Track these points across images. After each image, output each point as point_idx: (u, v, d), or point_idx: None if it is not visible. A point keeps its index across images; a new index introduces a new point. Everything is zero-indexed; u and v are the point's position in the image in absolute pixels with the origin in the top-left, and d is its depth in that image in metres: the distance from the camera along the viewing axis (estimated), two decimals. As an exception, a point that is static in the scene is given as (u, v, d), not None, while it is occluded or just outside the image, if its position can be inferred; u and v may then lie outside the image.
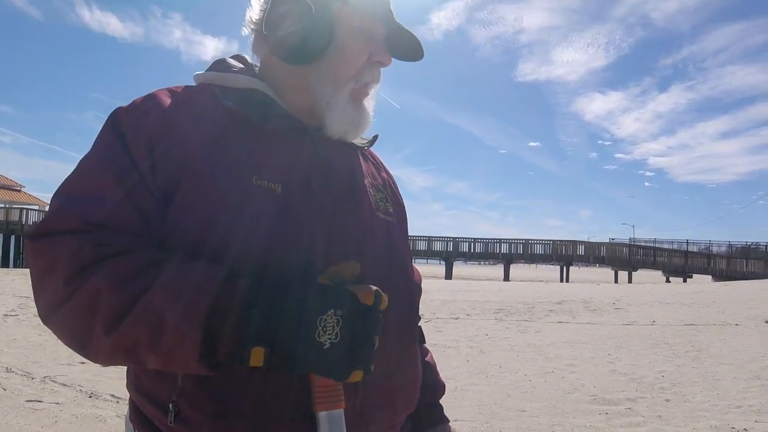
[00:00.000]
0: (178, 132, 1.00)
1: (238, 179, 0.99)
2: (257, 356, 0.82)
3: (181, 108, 1.05)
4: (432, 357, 1.40)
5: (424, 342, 1.37)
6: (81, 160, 1.01)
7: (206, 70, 1.16)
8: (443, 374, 1.40)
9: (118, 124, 1.02)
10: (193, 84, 1.15)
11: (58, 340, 0.92)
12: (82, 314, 0.85)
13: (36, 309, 0.92)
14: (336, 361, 0.84)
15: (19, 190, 47.25)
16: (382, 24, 1.14)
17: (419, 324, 1.32)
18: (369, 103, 1.18)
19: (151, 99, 1.06)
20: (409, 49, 1.20)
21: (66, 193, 0.96)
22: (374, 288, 0.90)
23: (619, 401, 5.43)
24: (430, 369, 1.36)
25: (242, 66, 1.18)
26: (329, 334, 0.83)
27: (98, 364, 0.92)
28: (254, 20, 1.15)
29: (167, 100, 1.05)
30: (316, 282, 0.89)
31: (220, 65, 1.17)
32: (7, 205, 41.06)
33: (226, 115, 1.05)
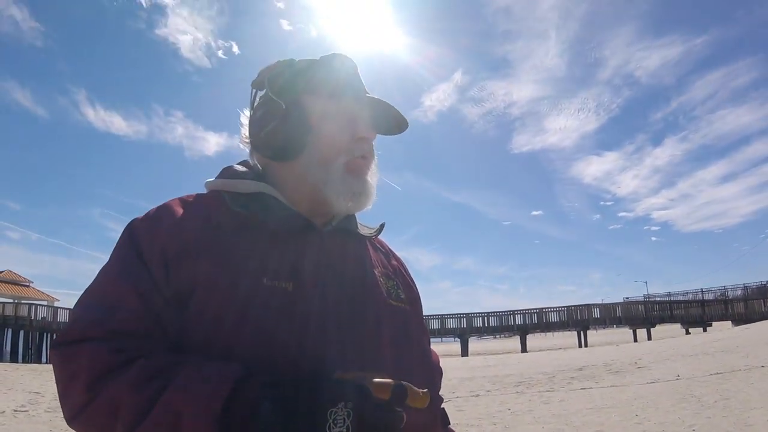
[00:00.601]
0: (189, 240, 1.05)
1: (249, 281, 1.02)
2: None
3: (192, 217, 1.11)
4: None
5: (449, 423, 1.36)
6: (100, 271, 1.08)
7: (216, 177, 1.22)
8: None
9: (133, 235, 1.08)
10: (204, 191, 1.22)
11: None
12: (104, 418, 0.90)
13: (53, 407, 1.01)
14: None
15: (27, 286, 47.50)
16: (356, 102, 1.20)
17: (441, 406, 1.32)
18: (372, 177, 1.21)
19: (164, 210, 1.12)
20: (392, 120, 1.26)
21: (86, 302, 1.02)
22: (392, 382, 0.89)
23: (652, 462, 5.22)
24: None
25: (250, 171, 1.24)
26: (340, 427, 0.84)
27: None
28: (245, 131, 1.26)
29: (179, 210, 1.12)
30: (332, 377, 0.91)
31: (228, 172, 1.23)
32: (16, 301, 41.38)
33: (236, 221, 1.10)
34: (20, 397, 11.69)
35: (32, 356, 34.65)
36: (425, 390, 0.92)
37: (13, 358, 33.74)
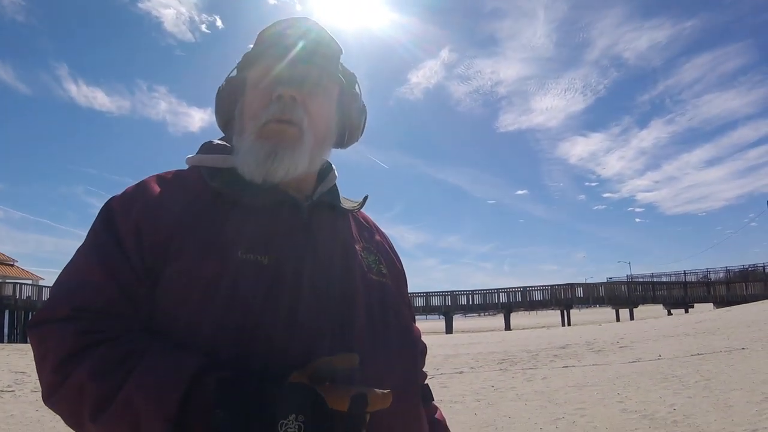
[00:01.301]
0: (164, 216, 1.04)
1: (224, 254, 1.01)
2: None
3: (169, 193, 1.10)
4: (441, 414, 1.36)
5: (432, 400, 1.34)
6: (76, 251, 1.07)
7: (196, 153, 1.21)
8: (452, 430, 1.38)
9: (109, 213, 1.08)
10: (185, 167, 1.21)
11: (56, 416, 0.98)
12: (71, 403, 0.90)
13: (39, 387, 0.97)
14: None
15: (12, 265, 47.19)
16: (276, 60, 1.15)
17: (425, 382, 1.32)
18: (303, 142, 1.12)
19: (141, 187, 1.12)
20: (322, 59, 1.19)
21: (58, 281, 1.02)
22: (352, 392, 0.84)
23: (633, 440, 5.29)
24: (440, 427, 1.33)
25: (228, 146, 1.21)
26: None
27: None
28: None
29: (156, 187, 1.11)
30: (286, 381, 0.85)
31: (207, 147, 1.22)
32: (1, 280, 41.02)
33: (212, 195, 1.10)
34: (6, 377, 11.74)
35: (18, 336, 34.41)
36: (386, 391, 0.87)
37: None
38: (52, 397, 0.93)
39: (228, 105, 1.22)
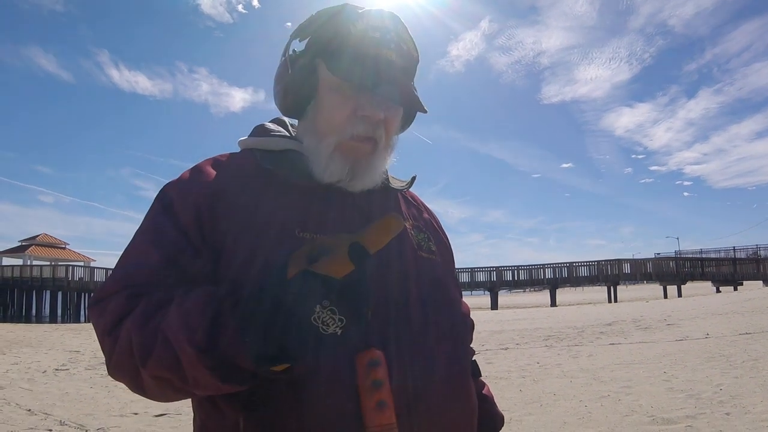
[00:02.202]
0: (222, 200, 1.08)
1: (282, 234, 1.05)
2: (280, 367, 0.84)
3: (225, 176, 1.13)
4: (489, 389, 1.40)
5: (480, 375, 1.37)
6: (134, 235, 1.10)
7: (248, 136, 1.25)
8: (498, 406, 1.43)
9: (166, 197, 1.11)
10: (238, 149, 1.25)
11: (110, 392, 1.05)
12: (126, 360, 0.93)
13: (92, 364, 1.06)
14: (357, 327, 0.83)
15: (63, 248, 48.70)
16: (375, 75, 1.11)
17: (473, 358, 1.34)
18: (377, 160, 1.17)
19: (196, 170, 1.15)
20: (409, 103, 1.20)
21: (117, 265, 1.06)
22: (346, 246, 0.83)
23: (678, 419, 5.36)
24: (488, 402, 1.36)
25: (280, 129, 1.26)
26: (333, 326, 0.81)
27: (162, 402, 0.99)
28: None
29: (211, 170, 1.14)
30: (287, 278, 0.83)
31: (259, 130, 1.26)
32: (54, 263, 42.53)
33: (267, 177, 1.13)
34: (61, 356, 12.11)
35: (71, 316, 35.37)
36: (388, 215, 0.89)
37: (53, 319, 34.65)
38: (111, 362, 0.97)
39: (297, 91, 1.18)
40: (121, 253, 1.08)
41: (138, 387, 0.97)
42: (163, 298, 0.94)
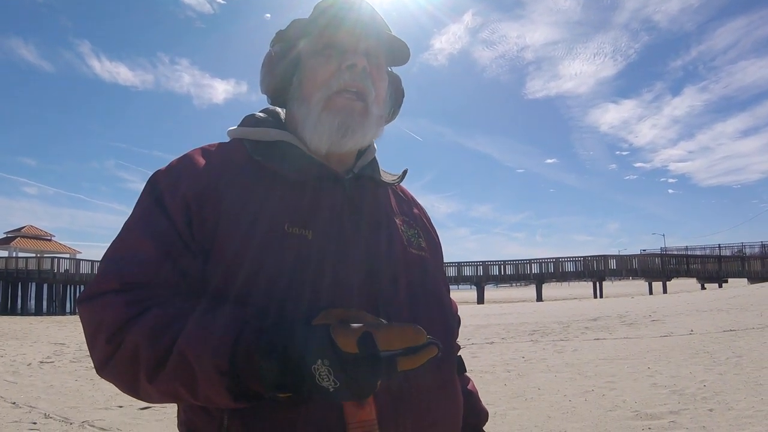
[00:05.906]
0: (211, 189, 1.07)
1: (271, 228, 1.04)
2: (283, 395, 0.87)
3: (214, 166, 1.12)
4: (473, 385, 1.41)
5: (465, 371, 1.37)
6: (123, 225, 1.09)
7: (238, 126, 1.24)
8: (482, 400, 1.44)
9: (154, 185, 1.10)
10: (227, 139, 1.24)
11: (95, 385, 1.03)
12: (127, 369, 0.93)
13: (77, 357, 1.03)
14: (348, 396, 0.83)
15: (49, 240, 48.26)
16: (352, 36, 1.16)
17: (458, 353, 1.33)
18: (369, 118, 1.18)
19: (186, 160, 1.14)
20: (394, 52, 1.25)
21: (107, 257, 1.04)
22: (360, 331, 0.83)
23: (662, 415, 5.40)
24: (472, 397, 1.37)
25: (271, 119, 1.25)
26: (327, 382, 0.81)
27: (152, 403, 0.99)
28: None
29: (201, 160, 1.13)
30: (310, 325, 0.87)
31: (249, 120, 1.24)
32: (39, 255, 42.03)
33: (257, 169, 1.12)
34: (46, 348, 12.06)
35: (56, 308, 35.44)
36: (405, 325, 0.87)
37: (38, 311, 34.70)
38: (106, 366, 0.96)
39: (281, 73, 1.21)
40: (111, 243, 1.07)
41: (132, 390, 0.97)
42: (175, 313, 0.93)
